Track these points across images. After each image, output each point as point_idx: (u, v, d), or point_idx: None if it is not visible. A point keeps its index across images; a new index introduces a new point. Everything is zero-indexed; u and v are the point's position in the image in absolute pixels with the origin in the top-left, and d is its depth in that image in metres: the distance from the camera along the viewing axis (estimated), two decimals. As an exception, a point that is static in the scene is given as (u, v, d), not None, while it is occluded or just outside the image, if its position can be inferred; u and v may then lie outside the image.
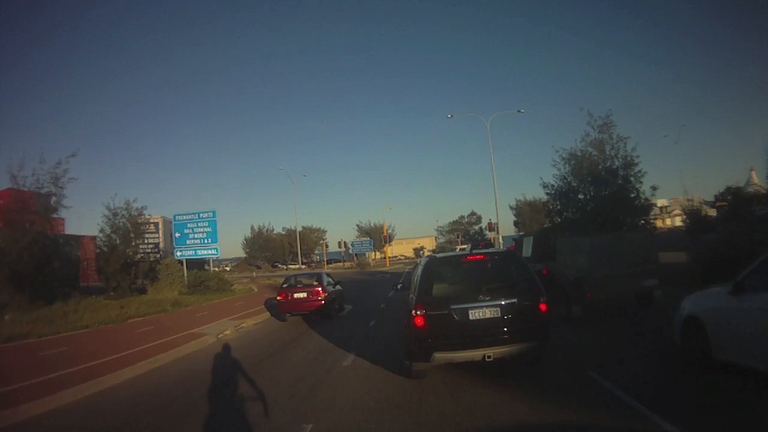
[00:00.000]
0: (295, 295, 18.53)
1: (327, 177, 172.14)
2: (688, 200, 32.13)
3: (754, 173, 38.12)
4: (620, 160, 21.24)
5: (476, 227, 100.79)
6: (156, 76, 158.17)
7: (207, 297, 29.49)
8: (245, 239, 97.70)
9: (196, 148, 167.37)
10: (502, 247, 36.75)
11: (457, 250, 53.04)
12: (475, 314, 7.57)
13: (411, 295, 8.65)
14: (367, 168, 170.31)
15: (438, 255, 10.21)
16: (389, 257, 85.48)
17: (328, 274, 21.59)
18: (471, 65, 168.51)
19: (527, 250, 17.48)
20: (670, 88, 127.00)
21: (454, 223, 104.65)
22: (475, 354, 7.57)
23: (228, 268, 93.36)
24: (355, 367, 9.95)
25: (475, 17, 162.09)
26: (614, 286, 12.69)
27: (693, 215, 27.14)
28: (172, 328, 17.35)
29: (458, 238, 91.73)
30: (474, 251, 9.52)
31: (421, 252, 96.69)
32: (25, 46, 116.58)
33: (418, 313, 7.65)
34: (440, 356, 7.68)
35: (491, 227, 50.61)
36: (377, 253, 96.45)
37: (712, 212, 29.63)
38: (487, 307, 7.59)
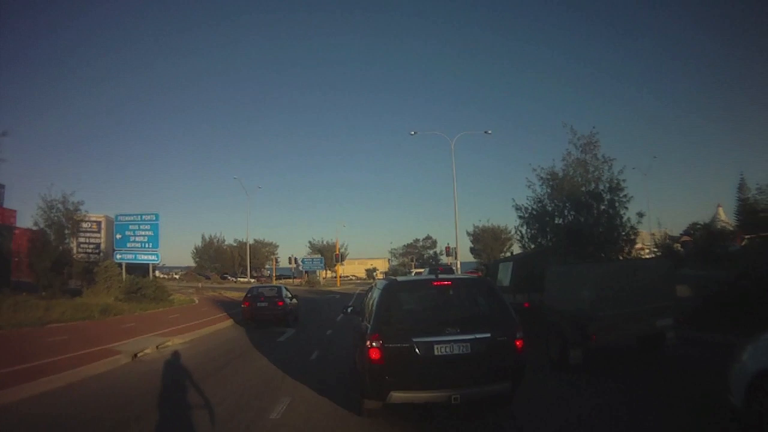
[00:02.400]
0: (258, 305, 20.71)
1: (282, 191, 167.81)
2: (651, 234, 31.20)
3: (721, 210, 38.22)
4: (605, 183, 19.19)
5: (431, 251, 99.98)
6: (120, 75, 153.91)
7: (142, 306, 26.55)
8: (195, 248, 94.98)
9: (150, 151, 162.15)
10: (460, 272, 35.22)
11: (413, 273, 51.46)
12: (440, 349, 6.50)
13: (365, 323, 7.57)
14: (322, 185, 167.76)
15: (399, 278, 8.86)
16: (340, 276, 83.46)
17: (286, 288, 23.62)
18: (437, 84, 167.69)
19: (504, 278, 15.26)
20: (642, 121, 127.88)
21: (409, 246, 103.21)
22: (440, 395, 6.52)
23: (177, 276, 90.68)
24: (285, 420, 7.45)
25: (443, 35, 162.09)
26: (624, 327, 10.25)
27: (665, 249, 26.34)
28: (88, 339, 14.81)
29: (412, 261, 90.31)
30: (441, 276, 8.12)
31: (374, 273, 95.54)
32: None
33: (374, 344, 6.50)
34: (398, 395, 6.56)
35: (448, 252, 49.35)
36: (328, 272, 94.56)
37: (677, 247, 28.85)
38: (455, 341, 6.53)
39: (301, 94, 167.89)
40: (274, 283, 55.03)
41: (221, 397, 8.84)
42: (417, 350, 6.48)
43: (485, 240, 71.34)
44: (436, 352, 6.50)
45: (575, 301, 10.51)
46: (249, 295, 21.52)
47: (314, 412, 7.91)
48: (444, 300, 7.66)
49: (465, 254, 67.79)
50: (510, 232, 66.89)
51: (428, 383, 6.54)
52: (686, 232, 29.21)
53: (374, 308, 7.15)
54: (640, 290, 10.18)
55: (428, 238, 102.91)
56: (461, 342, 6.54)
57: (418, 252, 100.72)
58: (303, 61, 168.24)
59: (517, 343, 6.74)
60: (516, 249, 49.71)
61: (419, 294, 8.04)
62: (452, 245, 46.14)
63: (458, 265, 41.78)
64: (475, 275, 16.63)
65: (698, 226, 25.86)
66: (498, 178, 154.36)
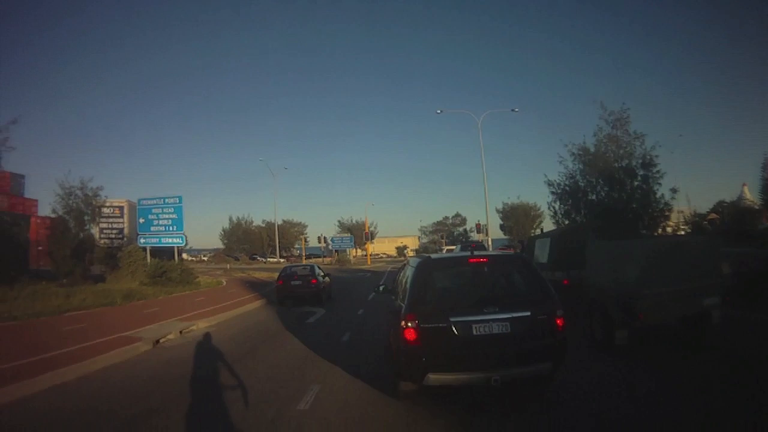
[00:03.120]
0: (292, 283, 21.38)
1: (309, 172, 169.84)
2: (680, 211, 30.35)
3: (746, 189, 37.60)
4: (638, 159, 19.07)
5: (460, 229, 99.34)
6: (141, 65, 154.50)
7: (167, 289, 26.22)
8: (223, 230, 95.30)
9: (176, 136, 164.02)
10: (491, 249, 34.34)
11: (444, 251, 50.74)
12: (479, 329, 6.32)
13: (398, 302, 7.31)
14: (350, 164, 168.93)
15: (433, 256, 8.43)
16: (371, 255, 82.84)
17: (319, 267, 24.54)
18: (463, 61, 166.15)
19: (541, 254, 14.47)
20: (667, 100, 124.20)
21: (438, 223, 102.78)
22: (479, 377, 6.32)
23: (205, 259, 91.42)
24: (314, 411, 6.74)
25: (467, 10, 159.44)
26: (672, 306, 9.40)
27: (694, 226, 25.69)
28: (108, 326, 14.30)
29: (443, 238, 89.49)
30: (476, 253, 7.55)
31: (405, 251, 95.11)
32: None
33: (409, 325, 6.33)
34: (436, 378, 6.36)
35: (479, 229, 48.85)
36: (358, 251, 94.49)
37: (704, 225, 28.52)
38: (494, 320, 6.33)
39: (327, 73, 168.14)
40: (304, 262, 54.64)
41: (246, 386, 8.11)
42: (455, 330, 6.30)
43: (515, 217, 70.02)
44: (474, 332, 6.32)
45: (620, 278, 9.83)
46: (283, 275, 22.24)
47: (345, 400, 7.27)
48: (480, 278, 7.28)
49: (495, 231, 67.91)
50: (540, 209, 68.42)
51: (467, 364, 6.33)
52: (713, 210, 28.28)
53: (408, 287, 6.98)
54: (687, 267, 9.41)
55: (458, 215, 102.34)
56: (500, 321, 6.35)
57: (448, 229, 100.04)
58: (329, 41, 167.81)
59: (558, 321, 6.57)
60: (547, 225, 48.86)
61: (454, 272, 7.79)
62: (482, 222, 46.37)
63: (489, 242, 41.82)
64: (511, 252, 15.60)
65: (725, 204, 25.03)
66: (526, 155, 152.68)
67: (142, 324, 14.86)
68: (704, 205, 29.45)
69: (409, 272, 7.57)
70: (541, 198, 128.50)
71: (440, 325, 6.32)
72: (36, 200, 35.44)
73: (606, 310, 9.87)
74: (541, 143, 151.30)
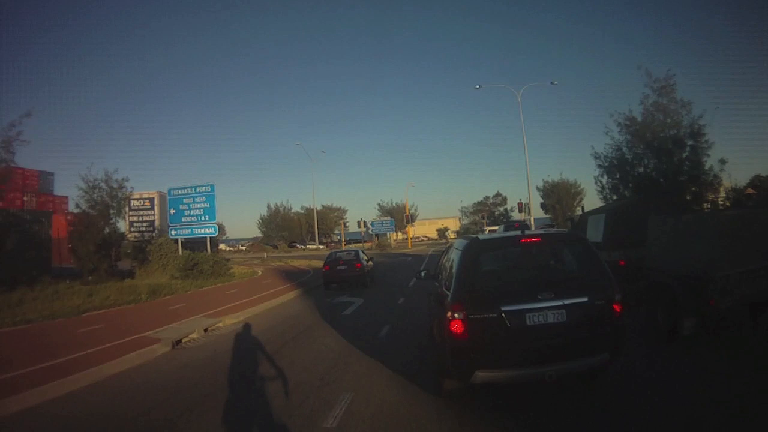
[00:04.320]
0: (338, 268, 22.52)
1: (347, 155, 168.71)
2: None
3: None
4: (686, 128, 18.19)
5: (501, 208, 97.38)
6: (172, 53, 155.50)
7: (198, 282, 25.69)
8: (261, 218, 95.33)
9: (211, 125, 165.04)
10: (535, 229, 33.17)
11: (486, 232, 49.48)
12: (533, 318, 5.78)
13: (443, 290, 6.75)
14: (389, 146, 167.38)
15: (481, 237, 7.60)
16: (411, 238, 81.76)
17: (363, 251, 25.89)
18: (501, 34, 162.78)
19: (594, 233, 13.14)
20: (705, 71, 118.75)
21: (479, 204, 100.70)
22: (533, 373, 5.81)
23: (243, 248, 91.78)
24: (343, 429, 5.74)
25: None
26: (747, 290, 7.99)
27: (735, 202, 24.23)
28: (128, 326, 13.58)
29: (484, 219, 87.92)
30: (528, 232, 6.99)
31: (446, 233, 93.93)
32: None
33: (456, 316, 5.81)
34: (484, 375, 5.82)
35: (521, 208, 47.84)
36: (399, 234, 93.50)
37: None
38: (549, 308, 5.78)
39: (363, 55, 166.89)
40: (343, 247, 54.08)
41: (268, 396, 7.23)
42: (507, 321, 5.75)
43: (558, 194, 68.11)
44: (528, 322, 5.78)
45: (688, 258, 8.75)
46: (329, 260, 23.38)
47: (380, 413, 6.29)
48: (533, 260, 7.04)
49: (536, 210, 66.30)
50: (580, 186, 68.44)
51: (520, 359, 5.82)
52: (749, 185, 26.54)
53: (454, 272, 6.41)
54: (762, 245, 8.05)
55: (498, 195, 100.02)
56: (556, 308, 5.80)
57: (489, 209, 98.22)
58: (365, 21, 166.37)
59: (616, 307, 6.03)
60: (589, 202, 47.23)
61: (504, 253, 7.38)
62: (524, 201, 45.75)
63: (532, 221, 41.13)
64: (562, 230, 14.22)
65: (762, 178, 23.44)
66: (566, 130, 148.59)
67: (164, 322, 14.09)
68: (742, 179, 27.77)
69: (454, 255, 7.00)
70: (581, 175, 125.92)
71: (490, 315, 5.77)
72: (66, 197, 35.44)
73: (672, 294, 8.78)
74: (581, 117, 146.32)
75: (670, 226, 9.72)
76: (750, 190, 27.21)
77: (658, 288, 9.30)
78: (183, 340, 12.27)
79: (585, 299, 5.90)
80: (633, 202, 14.80)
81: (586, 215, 14.95)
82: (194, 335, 12.76)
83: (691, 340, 8.26)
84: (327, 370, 8.51)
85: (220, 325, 14.14)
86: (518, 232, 6.94)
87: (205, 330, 13.40)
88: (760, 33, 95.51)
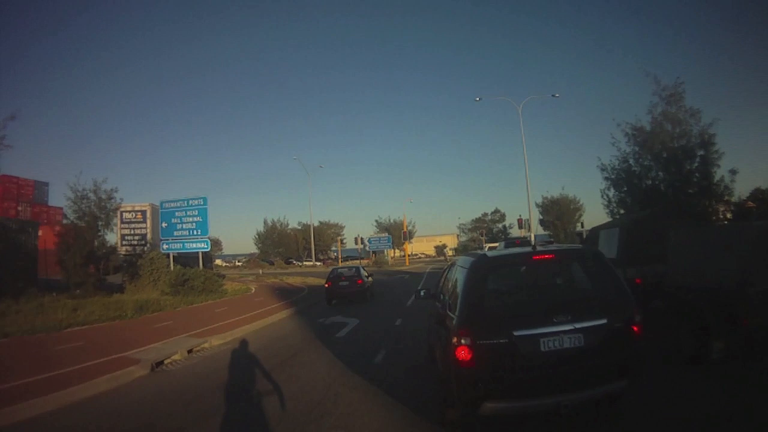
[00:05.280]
0: (340, 284, 23.40)
1: (345, 170, 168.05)
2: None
3: None
4: (696, 138, 17.61)
5: (499, 225, 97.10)
6: (169, 66, 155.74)
7: (189, 299, 24.76)
8: (257, 234, 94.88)
9: (209, 139, 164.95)
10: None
11: (486, 248, 48.96)
12: (548, 344, 5.25)
13: (445, 311, 6.40)
14: (387, 161, 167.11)
15: (489, 254, 6.71)
16: (409, 255, 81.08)
17: (363, 268, 26.93)
18: (500, 46, 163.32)
19: (608, 248, 12.15)
20: (708, 80, 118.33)
21: (477, 220, 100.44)
22: (546, 403, 5.29)
23: (239, 264, 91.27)
24: None
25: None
26: None
27: (737, 215, 23.87)
28: (108, 345, 12.79)
29: (482, 236, 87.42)
30: (540, 249, 6.43)
31: (444, 250, 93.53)
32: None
33: (463, 341, 5.29)
34: (494, 406, 5.34)
35: (521, 224, 47.48)
36: (396, 251, 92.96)
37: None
38: (566, 332, 5.26)
39: (361, 68, 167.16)
40: (341, 264, 53.52)
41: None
42: (519, 347, 5.23)
43: (557, 211, 67.81)
44: (542, 348, 5.26)
45: (716, 274, 7.99)
46: (332, 276, 24.24)
47: None
48: (546, 279, 6.64)
49: (534, 226, 65.50)
50: (579, 202, 68.42)
51: (532, 388, 5.33)
52: (750, 198, 26.13)
53: (460, 293, 5.96)
54: None
55: (497, 211, 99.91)
56: (573, 332, 5.29)
57: (487, 226, 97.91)
58: (362, 34, 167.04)
59: (636, 328, 5.57)
60: (591, 218, 46.78)
61: (515, 272, 6.79)
62: (524, 217, 46.22)
63: (532, 238, 39.91)
64: (577, 246, 13.49)
65: (762, 191, 23.21)
66: (568, 145, 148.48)
67: (147, 342, 13.25)
68: (744, 191, 27.26)
69: (459, 275, 6.52)
70: (582, 190, 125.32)
71: (501, 340, 5.27)
72: (61, 208, 34.99)
73: (698, 314, 8.04)
74: (583, 130, 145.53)
75: (695, 239, 9.10)
76: (750, 204, 26.79)
77: (682, 307, 8.57)
78: (165, 361, 11.46)
79: (604, 321, 5.42)
80: (650, 215, 13.96)
81: (597, 230, 14.14)
82: (177, 357, 11.92)
83: (720, 366, 7.50)
84: (317, 401, 7.64)
85: (206, 346, 13.30)
86: (529, 249, 6.47)
87: (189, 351, 12.55)
88: (762, 40, 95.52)
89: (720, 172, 17.60)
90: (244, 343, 13.32)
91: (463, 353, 5.28)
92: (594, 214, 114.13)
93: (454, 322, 5.70)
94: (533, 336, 5.26)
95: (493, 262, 6.32)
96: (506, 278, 6.76)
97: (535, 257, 6.22)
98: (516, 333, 5.25)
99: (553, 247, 7.97)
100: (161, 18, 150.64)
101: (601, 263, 6.29)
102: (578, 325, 5.33)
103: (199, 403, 8.10)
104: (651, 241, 10.54)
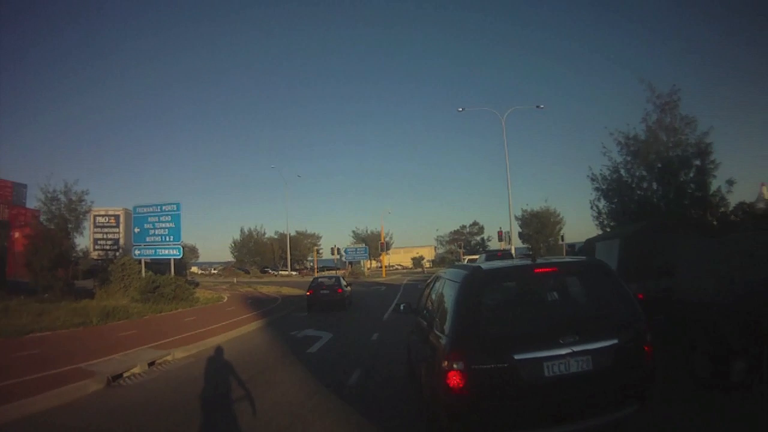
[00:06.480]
0: (321, 292, 24.58)
1: (323, 180, 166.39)
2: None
3: (764, 189, 35.01)
4: (692, 147, 17.28)
5: (478, 238, 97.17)
6: (151, 74, 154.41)
7: (158, 307, 23.95)
8: (234, 242, 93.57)
9: (187, 146, 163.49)
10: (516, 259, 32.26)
11: (464, 261, 48.49)
12: (553, 368, 4.67)
13: (433, 330, 5.81)
14: (365, 171, 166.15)
15: (484, 266, 6.02)
16: (386, 267, 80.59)
17: (342, 278, 29.08)
18: (484, 56, 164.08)
19: (607, 262, 11.72)
20: (701, 88, 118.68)
21: (455, 232, 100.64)
22: None
23: (215, 272, 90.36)
24: None
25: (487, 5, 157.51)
26: None
27: (726, 226, 23.91)
28: (66, 354, 12.09)
29: (460, 248, 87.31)
30: (541, 262, 6.05)
31: (422, 262, 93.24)
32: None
33: (455, 366, 4.67)
34: None
35: (501, 236, 47.30)
36: (373, 262, 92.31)
37: None
38: (573, 355, 4.70)
39: (340, 77, 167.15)
40: (316, 274, 53.05)
41: None
42: (521, 372, 4.67)
43: (537, 224, 68.06)
44: (546, 373, 4.70)
45: (735, 287, 7.28)
46: (313, 284, 25.49)
47: None
48: (548, 294, 5.99)
49: (514, 239, 65.19)
50: (559, 215, 69.45)
51: (534, 418, 4.74)
52: (734, 211, 26.05)
53: (450, 310, 5.39)
54: None
55: (475, 224, 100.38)
56: (581, 354, 4.75)
57: (465, 239, 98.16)
58: (342, 43, 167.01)
59: (647, 348, 5.09)
60: (572, 231, 46.84)
61: (514, 287, 6.07)
62: (505, 229, 46.30)
63: (513, 250, 39.78)
64: (580, 258, 12.58)
65: (746, 205, 23.24)
66: (552, 155, 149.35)
67: (108, 352, 12.49)
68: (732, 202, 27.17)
69: (448, 289, 5.94)
70: (562, 204, 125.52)
71: (500, 365, 4.71)
72: (39, 211, 34.25)
73: (714, 331, 7.33)
74: (567, 142, 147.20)
75: (708, 249, 8.48)
76: (734, 218, 26.66)
77: (696, 324, 7.85)
78: (124, 374, 10.75)
79: (615, 341, 4.93)
80: (650, 226, 13.44)
81: (593, 241, 13.40)
82: (136, 370, 11.18)
83: (740, 389, 6.70)
84: (285, 426, 6.96)
85: (169, 358, 12.56)
86: (529, 261, 6.03)
87: (150, 364, 11.80)
88: (758, 47, 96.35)
89: (716, 183, 17.32)
90: (210, 356, 12.63)
91: (454, 379, 4.71)
92: (574, 227, 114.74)
93: (443, 342, 5.16)
94: (536, 359, 4.73)
95: (489, 275, 5.75)
96: (502, 293, 6.20)
97: (536, 270, 5.73)
98: (517, 356, 4.71)
99: (555, 259, 7.51)
100: (140, 24, 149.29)
101: (609, 276, 5.77)
102: (586, 347, 4.81)
103: (156, 425, 7.45)
104: (653, 254, 9.95)
